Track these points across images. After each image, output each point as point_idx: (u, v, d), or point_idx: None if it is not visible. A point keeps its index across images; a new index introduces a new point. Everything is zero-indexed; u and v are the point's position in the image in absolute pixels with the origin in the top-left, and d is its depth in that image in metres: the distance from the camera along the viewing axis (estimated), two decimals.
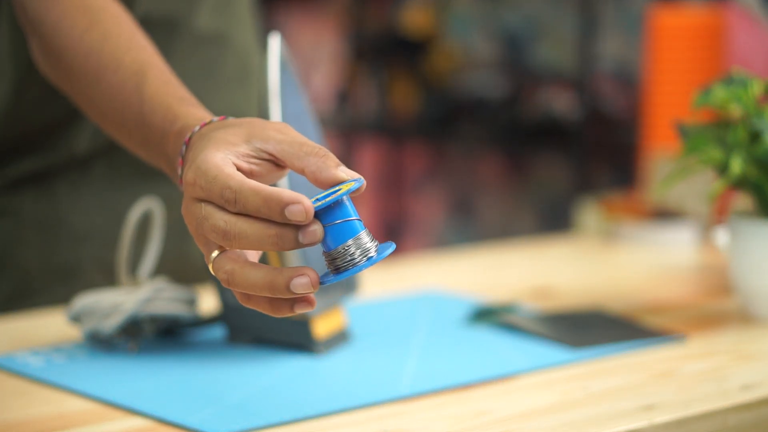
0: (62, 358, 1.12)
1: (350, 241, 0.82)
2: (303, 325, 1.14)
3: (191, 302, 1.17)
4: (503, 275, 1.57)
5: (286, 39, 4.04)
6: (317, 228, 0.81)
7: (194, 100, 0.99)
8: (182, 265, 1.37)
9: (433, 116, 3.85)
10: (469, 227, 3.95)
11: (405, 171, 4.11)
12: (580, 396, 1.04)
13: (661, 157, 1.82)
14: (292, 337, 1.15)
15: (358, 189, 0.82)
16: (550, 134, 3.54)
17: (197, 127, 0.90)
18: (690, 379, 1.11)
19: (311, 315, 1.13)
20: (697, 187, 1.68)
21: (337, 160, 0.83)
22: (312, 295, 0.84)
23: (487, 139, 3.74)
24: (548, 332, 1.21)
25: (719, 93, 1.27)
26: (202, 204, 0.83)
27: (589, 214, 1.83)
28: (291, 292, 0.81)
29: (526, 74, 3.70)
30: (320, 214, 0.82)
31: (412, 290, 1.43)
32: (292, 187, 1.05)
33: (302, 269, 0.81)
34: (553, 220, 3.64)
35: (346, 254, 0.82)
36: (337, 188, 0.82)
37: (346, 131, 4.12)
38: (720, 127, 1.28)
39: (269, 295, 0.82)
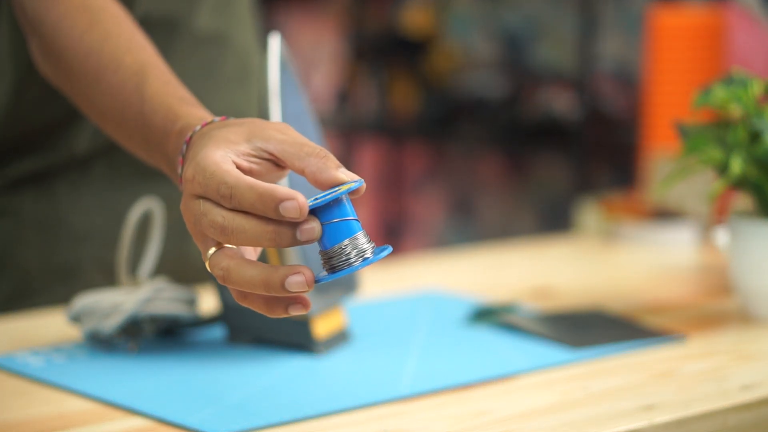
0: (62, 358, 1.12)
1: (347, 241, 0.82)
2: (303, 325, 1.14)
3: (191, 302, 1.17)
4: (503, 275, 1.57)
5: (286, 39, 4.04)
6: (315, 225, 0.81)
7: (195, 100, 0.99)
8: (182, 265, 1.37)
9: (433, 116, 3.85)
10: (469, 227, 3.95)
11: (405, 171, 4.11)
12: (580, 396, 1.04)
13: (661, 157, 1.82)
14: (292, 337, 1.15)
15: (357, 189, 0.82)
16: (550, 134, 3.54)
17: (198, 127, 0.91)
18: (690, 379, 1.11)
19: (311, 315, 1.13)
20: (697, 187, 1.68)
21: (337, 162, 0.83)
22: (307, 298, 0.84)
23: (487, 139, 3.74)
24: (548, 332, 1.21)
25: (719, 93, 1.27)
26: (201, 200, 0.83)
27: (589, 214, 1.83)
28: (286, 290, 0.81)
29: (526, 74, 3.70)
30: (318, 212, 0.82)
31: (412, 290, 1.43)
32: (293, 187, 1.05)
33: (298, 267, 0.81)
34: (553, 220, 3.64)
35: (342, 254, 0.82)
36: (336, 189, 0.82)
37: (346, 131, 4.12)
38: (720, 127, 1.28)
39: (264, 293, 0.82)
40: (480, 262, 1.66)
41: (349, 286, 1.20)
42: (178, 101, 0.97)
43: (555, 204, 3.66)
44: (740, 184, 1.27)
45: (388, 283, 1.47)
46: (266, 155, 0.85)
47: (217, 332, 1.21)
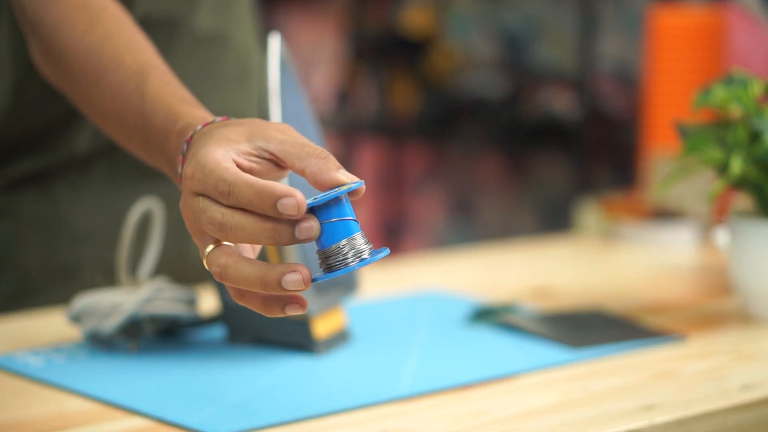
0: (62, 358, 1.12)
1: (344, 241, 0.82)
2: (303, 325, 1.14)
3: (191, 302, 1.17)
4: (503, 275, 1.57)
5: (286, 39, 4.04)
6: (314, 224, 0.81)
7: (195, 100, 0.99)
8: (182, 265, 1.37)
9: (433, 116, 3.85)
10: (469, 227, 3.95)
11: (405, 171, 4.11)
12: (580, 396, 1.04)
13: (661, 157, 1.82)
14: (292, 337, 1.15)
15: (357, 190, 0.82)
16: (550, 134, 3.54)
17: (199, 126, 0.91)
18: (690, 379, 1.11)
19: (311, 315, 1.13)
20: (697, 187, 1.68)
21: (338, 164, 0.84)
22: (305, 298, 0.84)
23: (487, 139, 3.74)
24: (548, 332, 1.21)
25: (719, 93, 1.27)
26: (200, 198, 0.84)
27: (589, 214, 1.83)
28: (282, 288, 0.81)
29: (526, 74, 3.70)
30: (317, 211, 0.82)
31: (412, 290, 1.43)
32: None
33: (295, 266, 0.81)
34: (553, 220, 3.64)
35: (339, 253, 0.82)
36: (336, 189, 0.83)
37: (346, 131, 4.12)
38: (720, 127, 1.28)
39: (261, 291, 0.82)
40: (480, 262, 1.66)
41: (349, 286, 1.20)
42: (178, 101, 0.97)
43: (555, 204, 3.66)
44: (740, 184, 1.27)
45: (388, 283, 1.47)
46: (267, 155, 0.85)
47: (217, 332, 1.21)
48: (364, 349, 1.17)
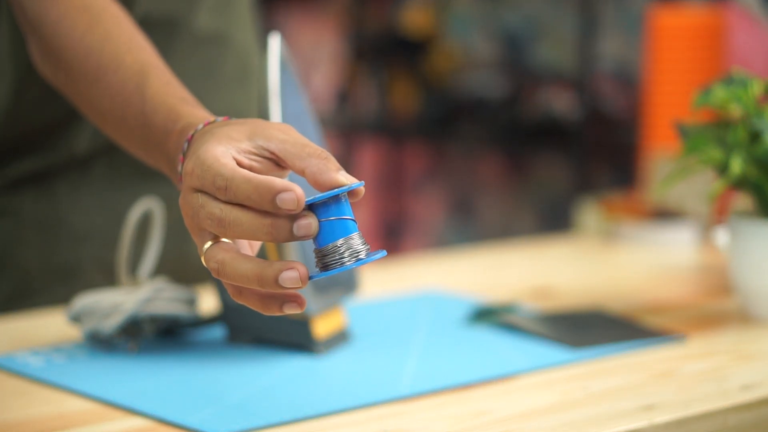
0: (62, 358, 1.12)
1: (341, 240, 0.82)
2: (303, 325, 1.14)
3: (191, 302, 1.17)
4: (503, 275, 1.57)
5: (286, 39, 4.04)
6: (312, 221, 0.82)
7: (195, 100, 0.99)
8: (182, 265, 1.37)
9: (433, 116, 3.85)
10: (469, 227, 3.95)
11: (405, 171, 4.11)
12: (580, 396, 1.04)
13: (661, 157, 1.82)
14: (292, 337, 1.15)
15: (356, 190, 0.83)
16: (550, 134, 3.54)
17: (200, 126, 0.91)
18: (690, 379, 1.11)
19: (311, 315, 1.13)
20: (697, 187, 1.68)
21: (338, 164, 0.84)
22: (303, 297, 0.84)
23: (487, 139, 3.74)
24: (548, 332, 1.21)
25: (719, 93, 1.27)
26: (199, 194, 0.84)
27: (589, 214, 1.83)
28: (279, 286, 0.81)
29: (526, 74, 3.70)
30: (316, 209, 0.82)
31: (412, 290, 1.43)
32: None
33: (292, 263, 0.81)
34: (553, 220, 3.64)
35: (335, 252, 0.82)
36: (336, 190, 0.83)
37: (346, 131, 4.12)
38: (720, 127, 1.28)
39: (258, 288, 0.82)
40: (480, 262, 1.66)
41: (349, 286, 1.20)
42: (179, 101, 0.97)
43: (555, 204, 3.66)
44: (740, 184, 1.27)
45: (388, 283, 1.47)
46: (267, 154, 0.85)
47: (217, 332, 1.21)
48: (364, 349, 1.17)
